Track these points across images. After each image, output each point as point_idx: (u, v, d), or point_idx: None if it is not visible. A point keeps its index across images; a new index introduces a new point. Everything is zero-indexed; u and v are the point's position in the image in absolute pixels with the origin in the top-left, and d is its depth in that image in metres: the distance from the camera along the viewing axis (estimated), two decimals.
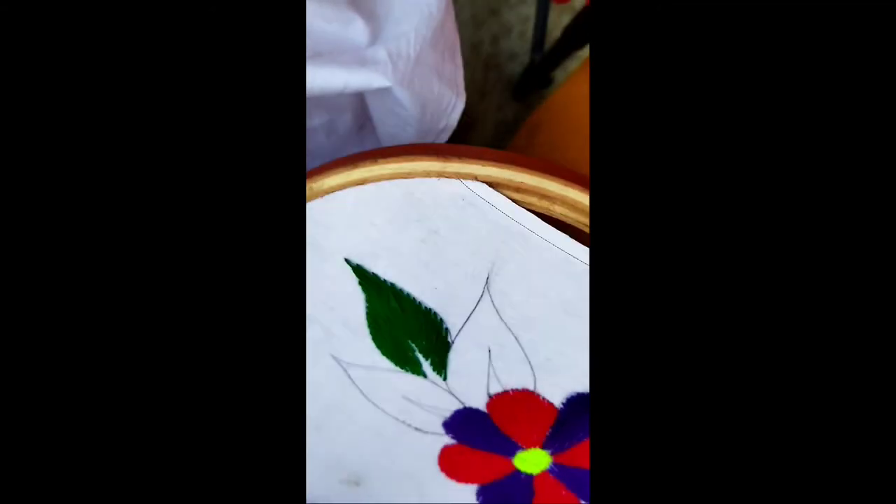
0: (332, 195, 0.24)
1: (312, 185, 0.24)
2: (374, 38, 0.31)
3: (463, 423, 0.30)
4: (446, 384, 0.28)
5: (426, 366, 0.28)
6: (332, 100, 0.34)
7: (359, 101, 0.34)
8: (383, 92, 0.30)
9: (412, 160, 0.23)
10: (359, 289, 0.26)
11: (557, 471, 0.32)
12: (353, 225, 0.24)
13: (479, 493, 0.33)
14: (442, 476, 0.33)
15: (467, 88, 0.35)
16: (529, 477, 0.32)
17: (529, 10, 0.60)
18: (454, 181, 0.23)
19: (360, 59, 0.29)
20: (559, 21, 0.60)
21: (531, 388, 0.28)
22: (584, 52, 0.53)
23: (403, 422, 0.31)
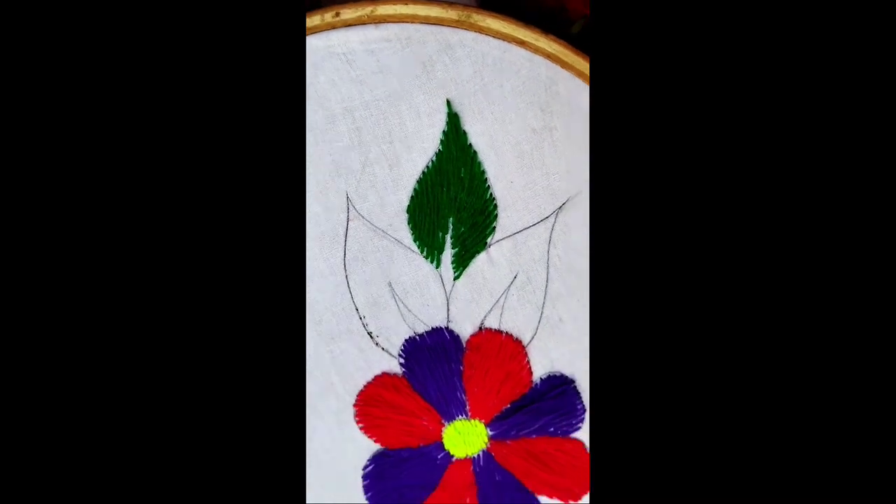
0: (490, 38, 0.23)
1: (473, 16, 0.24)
2: None
3: (427, 352, 0.26)
4: (452, 286, 0.25)
5: (447, 254, 0.25)
6: None
7: None
8: None
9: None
10: (438, 138, 0.24)
11: (482, 463, 0.27)
12: (479, 71, 0.24)
13: (373, 460, 0.27)
14: (351, 421, 0.27)
15: None
16: (447, 460, 0.27)
17: None
18: (586, 87, 0.24)
19: None
20: None
21: (525, 341, 0.26)
22: None
23: (363, 318, 0.26)
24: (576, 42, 0.25)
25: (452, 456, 0.27)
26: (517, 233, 0.25)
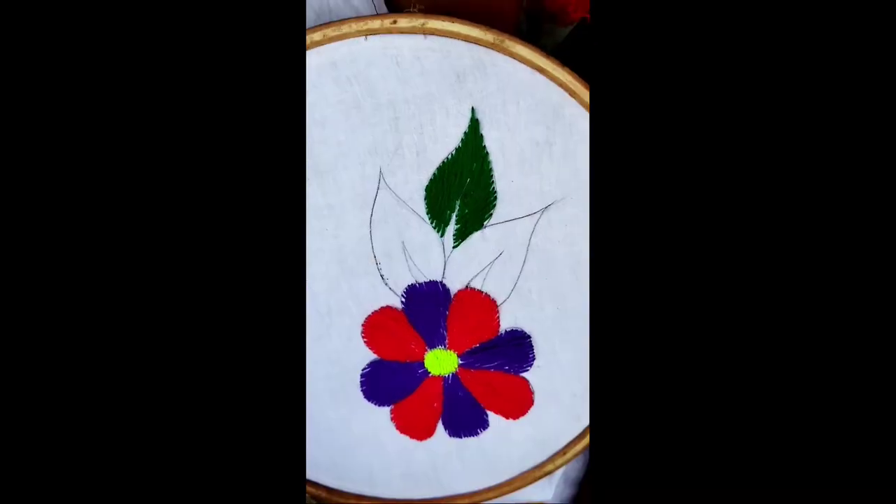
0: (517, 62, 0.28)
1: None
2: None
3: (423, 297, 0.33)
4: (450, 252, 0.32)
5: (450, 228, 0.32)
6: None
7: None
8: None
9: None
10: (459, 136, 0.30)
11: (450, 382, 0.36)
12: (502, 88, 0.28)
13: (370, 365, 0.36)
14: (359, 336, 0.35)
15: None
16: (425, 375, 0.36)
17: None
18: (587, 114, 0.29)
19: None
20: None
21: (499, 302, 0.33)
22: None
23: (378, 264, 0.33)
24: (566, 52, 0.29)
25: (429, 372, 0.36)
26: (508, 221, 0.31)
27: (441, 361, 0.36)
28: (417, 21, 0.28)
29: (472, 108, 0.30)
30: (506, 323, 0.34)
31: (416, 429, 0.37)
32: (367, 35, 0.28)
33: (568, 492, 0.41)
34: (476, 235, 0.32)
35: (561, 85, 0.29)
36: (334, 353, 0.35)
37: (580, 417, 0.36)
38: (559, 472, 0.39)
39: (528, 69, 0.29)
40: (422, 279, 0.33)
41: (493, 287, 0.33)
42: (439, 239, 0.32)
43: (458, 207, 0.32)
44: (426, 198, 0.31)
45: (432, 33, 0.28)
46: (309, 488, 0.40)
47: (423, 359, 0.35)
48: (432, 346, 0.35)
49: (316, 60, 0.28)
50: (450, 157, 0.31)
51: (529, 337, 0.34)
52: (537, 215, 0.31)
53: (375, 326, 0.35)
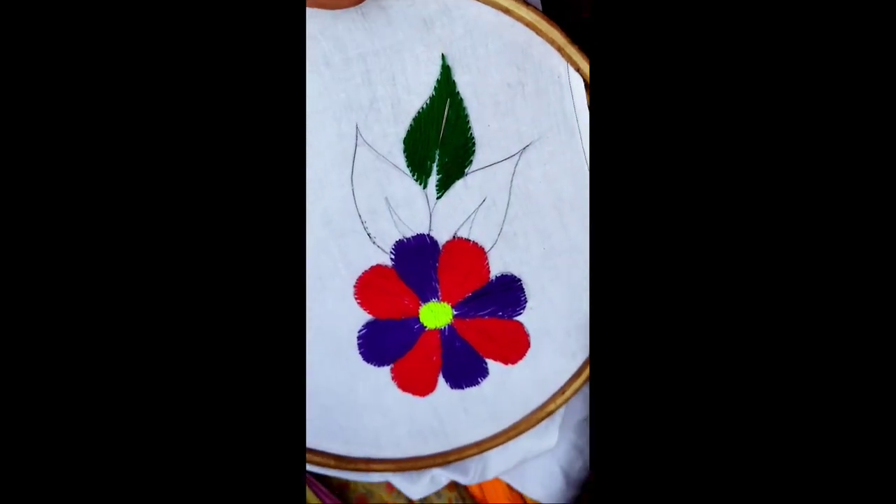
0: (481, 4, 0.28)
1: None
2: None
3: (411, 251, 0.34)
4: (434, 204, 0.32)
5: (432, 179, 0.32)
6: None
7: None
8: None
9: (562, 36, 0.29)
10: (432, 84, 0.30)
11: (446, 333, 0.36)
12: (470, 31, 0.29)
13: (366, 326, 0.36)
14: (351, 297, 0.35)
15: None
16: (421, 329, 0.36)
17: None
18: (563, 61, 0.29)
19: None
20: None
21: (486, 248, 0.34)
22: None
23: (364, 222, 0.33)
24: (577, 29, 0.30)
25: (425, 327, 0.36)
26: (488, 166, 0.32)
27: (436, 314, 0.36)
28: None
29: (443, 55, 0.30)
30: (495, 269, 0.34)
31: (418, 385, 0.38)
32: None
33: (570, 492, 0.43)
34: (458, 184, 0.32)
35: (527, 24, 0.29)
36: (329, 317, 0.36)
37: (575, 354, 0.37)
38: (559, 414, 0.40)
39: (493, 10, 0.29)
40: (409, 234, 0.33)
41: (479, 234, 0.33)
42: (422, 191, 0.32)
43: (437, 157, 0.32)
44: (405, 150, 0.31)
45: None
46: (317, 458, 0.40)
47: (418, 314, 0.36)
48: (426, 300, 0.36)
49: None
50: (425, 106, 0.31)
51: (520, 280, 0.34)
52: (516, 157, 0.32)
53: (368, 286, 0.35)
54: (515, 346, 0.37)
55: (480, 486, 0.44)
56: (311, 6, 0.27)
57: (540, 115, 0.31)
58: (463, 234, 0.33)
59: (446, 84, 0.30)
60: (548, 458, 0.42)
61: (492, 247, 0.34)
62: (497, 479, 0.43)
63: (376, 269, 0.35)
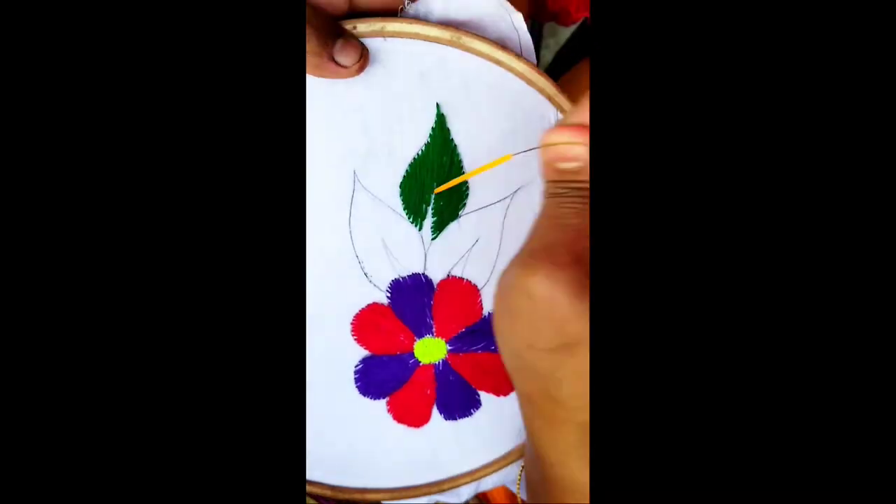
0: (475, 57, 0.29)
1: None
2: None
3: (407, 289, 0.35)
4: (429, 245, 0.34)
5: (427, 221, 0.33)
6: None
7: None
8: None
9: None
10: (427, 132, 0.31)
11: (441, 368, 0.37)
12: (464, 82, 0.30)
13: (363, 362, 0.37)
14: (349, 334, 0.36)
15: None
16: (416, 364, 0.37)
17: None
18: (553, 108, 0.31)
19: None
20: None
21: (480, 286, 0.35)
22: None
23: (361, 261, 0.34)
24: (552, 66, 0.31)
25: (420, 361, 0.37)
26: (481, 208, 0.33)
27: (430, 350, 0.37)
28: (377, 25, 0.29)
29: (437, 104, 0.31)
30: (488, 306, 0.35)
31: (413, 417, 0.39)
32: None
33: None
34: (453, 225, 0.33)
35: (518, 75, 0.31)
36: (326, 353, 0.36)
37: None
38: None
39: (487, 62, 0.30)
40: (404, 273, 0.34)
41: (473, 273, 0.35)
42: (418, 232, 0.33)
43: (433, 201, 0.33)
44: (401, 194, 0.33)
45: (392, 36, 0.29)
46: (312, 488, 0.41)
47: (413, 349, 0.37)
48: (420, 336, 0.36)
49: None
50: (420, 153, 0.32)
51: None
52: (507, 200, 0.33)
53: (364, 323, 0.36)
54: (508, 379, 0.38)
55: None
56: (314, 75, 0.28)
57: (529, 160, 0.32)
58: (457, 272, 0.35)
59: (441, 132, 0.32)
60: None
61: (485, 284, 0.35)
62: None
63: (373, 307, 0.36)
